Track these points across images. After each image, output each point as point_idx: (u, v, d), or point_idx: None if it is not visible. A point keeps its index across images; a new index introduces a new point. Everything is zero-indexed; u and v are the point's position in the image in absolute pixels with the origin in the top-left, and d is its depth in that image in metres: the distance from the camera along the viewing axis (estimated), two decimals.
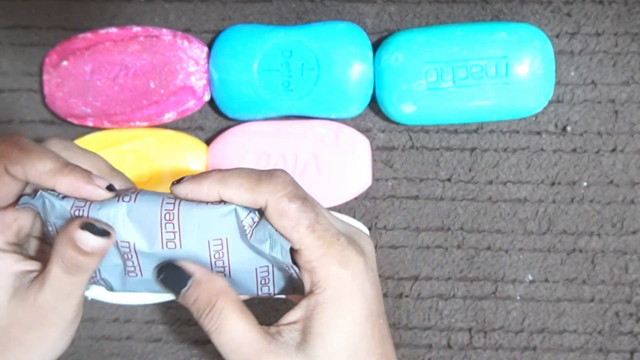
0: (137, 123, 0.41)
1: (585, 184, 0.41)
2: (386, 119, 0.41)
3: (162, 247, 0.28)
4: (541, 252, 0.41)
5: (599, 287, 0.41)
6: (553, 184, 0.41)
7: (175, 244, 0.28)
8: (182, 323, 0.43)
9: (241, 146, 0.41)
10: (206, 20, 0.42)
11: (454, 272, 0.42)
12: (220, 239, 0.28)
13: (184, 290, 0.28)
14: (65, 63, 0.41)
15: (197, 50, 0.41)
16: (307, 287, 0.28)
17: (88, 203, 0.28)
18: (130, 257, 0.29)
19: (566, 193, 0.41)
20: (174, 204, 0.28)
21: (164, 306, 0.43)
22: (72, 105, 0.41)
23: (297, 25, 0.40)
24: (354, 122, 0.42)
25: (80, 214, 0.28)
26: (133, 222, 0.28)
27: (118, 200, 0.28)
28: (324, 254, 0.27)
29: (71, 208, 0.28)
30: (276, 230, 0.28)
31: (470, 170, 0.42)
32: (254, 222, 0.28)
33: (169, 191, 0.29)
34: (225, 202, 0.28)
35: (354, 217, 0.42)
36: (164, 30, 0.41)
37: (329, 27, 0.40)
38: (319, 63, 0.39)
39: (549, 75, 0.38)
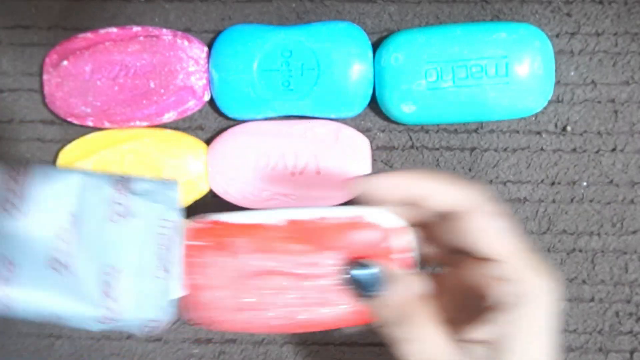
0: (137, 123, 0.41)
1: (585, 183, 0.41)
2: (386, 118, 0.41)
3: None
4: (541, 252, 0.41)
5: (599, 286, 0.41)
6: (553, 183, 0.41)
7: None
8: (182, 323, 0.43)
9: (241, 146, 0.41)
10: (206, 20, 0.42)
11: None
12: None
13: (377, 294, 0.26)
14: (65, 63, 0.41)
15: (197, 50, 0.41)
16: (494, 300, 0.26)
17: None
18: None
19: (566, 193, 0.41)
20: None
21: None
22: (72, 105, 0.41)
23: (297, 25, 0.40)
24: (354, 122, 0.42)
25: None
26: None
27: None
28: (528, 262, 0.26)
29: None
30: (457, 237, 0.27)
31: (470, 170, 0.42)
32: None
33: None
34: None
35: None
36: (164, 30, 0.41)
37: (329, 27, 0.40)
38: (319, 63, 0.39)
39: (549, 75, 0.38)
